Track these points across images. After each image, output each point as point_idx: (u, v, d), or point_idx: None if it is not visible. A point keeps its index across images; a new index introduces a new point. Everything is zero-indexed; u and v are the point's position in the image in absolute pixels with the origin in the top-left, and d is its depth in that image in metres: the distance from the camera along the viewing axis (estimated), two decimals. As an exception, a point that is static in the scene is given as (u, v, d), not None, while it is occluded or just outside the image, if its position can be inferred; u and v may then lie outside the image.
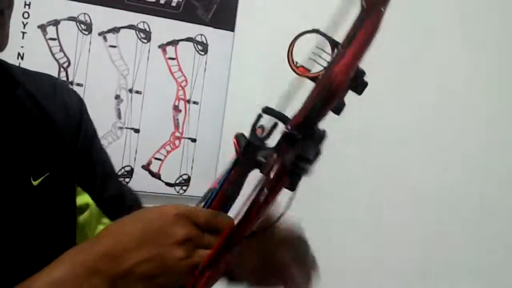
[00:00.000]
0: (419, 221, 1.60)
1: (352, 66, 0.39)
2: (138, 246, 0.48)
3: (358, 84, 0.42)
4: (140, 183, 1.40)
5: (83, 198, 0.72)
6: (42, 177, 0.65)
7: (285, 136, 0.42)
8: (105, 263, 0.47)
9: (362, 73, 0.42)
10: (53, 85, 0.73)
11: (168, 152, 1.44)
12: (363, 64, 0.42)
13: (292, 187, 0.43)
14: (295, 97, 0.47)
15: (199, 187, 1.42)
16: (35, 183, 0.64)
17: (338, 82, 0.39)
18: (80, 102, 0.76)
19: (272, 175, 0.43)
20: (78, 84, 1.36)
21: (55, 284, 0.47)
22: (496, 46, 1.64)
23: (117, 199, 0.77)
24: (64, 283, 0.47)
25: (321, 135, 0.42)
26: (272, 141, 0.46)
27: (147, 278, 0.47)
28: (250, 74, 1.48)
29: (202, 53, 1.45)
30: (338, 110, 0.44)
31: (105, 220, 0.74)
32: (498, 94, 1.66)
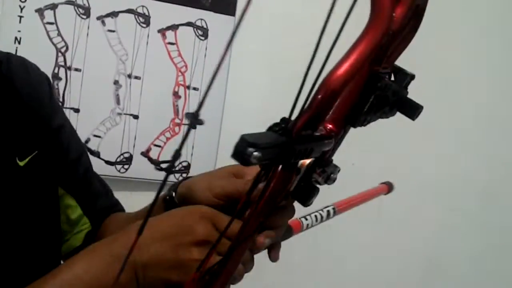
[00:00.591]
0: (421, 209, 1.59)
1: (352, 71, 0.35)
2: (162, 239, 0.49)
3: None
4: (139, 170, 1.38)
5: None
6: (29, 157, 0.63)
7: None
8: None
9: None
10: (24, 65, 0.71)
11: (167, 139, 1.42)
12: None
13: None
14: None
15: (199, 174, 1.40)
16: (21, 163, 0.62)
17: (334, 86, 0.35)
18: (49, 82, 0.75)
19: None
20: (76, 69, 1.33)
21: (84, 270, 0.48)
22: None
23: (85, 182, 0.76)
24: (89, 269, 0.48)
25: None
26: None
27: (162, 270, 0.48)
28: (251, 60, 1.46)
29: (202, 38, 1.42)
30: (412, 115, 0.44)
31: (71, 202, 0.72)
32: (499, 83, 1.63)
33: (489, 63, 1.61)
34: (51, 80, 0.76)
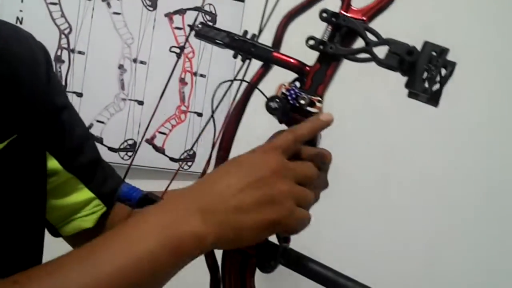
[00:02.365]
0: (426, 201, 1.58)
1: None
2: (240, 182, 0.46)
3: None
4: (143, 157, 1.35)
5: (49, 164, 0.66)
6: (8, 140, 0.58)
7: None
8: (214, 202, 0.45)
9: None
10: (16, 33, 0.64)
11: (173, 126, 1.39)
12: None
13: None
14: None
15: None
16: None
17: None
18: (46, 54, 0.68)
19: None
20: (79, 52, 1.29)
21: (164, 227, 0.44)
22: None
23: (93, 164, 0.72)
24: (171, 225, 0.44)
25: None
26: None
27: (254, 213, 0.45)
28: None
29: (211, 23, 1.38)
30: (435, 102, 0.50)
31: (81, 186, 0.69)
32: (502, 77, 1.61)
33: (496, 56, 1.59)
34: (50, 59, 0.69)
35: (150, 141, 1.37)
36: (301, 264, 0.51)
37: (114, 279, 0.41)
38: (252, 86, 0.55)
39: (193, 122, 1.39)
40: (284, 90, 0.53)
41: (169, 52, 1.36)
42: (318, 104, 0.52)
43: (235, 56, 0.56)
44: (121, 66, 1.33)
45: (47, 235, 0.71)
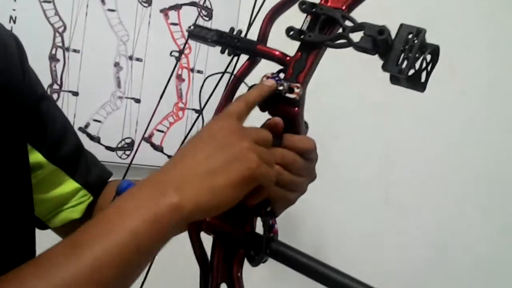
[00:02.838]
0: (428, 196, 1.56)
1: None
2: (203, 148, 0.48)
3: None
4: (141, 156, 1.32)
5: (33, 157, 0.65)
6: None
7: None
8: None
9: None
10: None
11: (171, 123, 1.37)
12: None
13: None
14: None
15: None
16: None
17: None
18: (19, 45, 0.66)
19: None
20: (74, 50, 1.27)
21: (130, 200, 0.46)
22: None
23: (76, 154, 0.72)
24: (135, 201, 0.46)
25: None
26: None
27: (221, 172, 0.47)
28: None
29: (207, 18, 1.36)
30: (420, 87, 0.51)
31: (66, 177, 0.69)
32: (505, 71, 1.59)
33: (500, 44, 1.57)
34: (24, 49, 0.67)
35: (148, 140, 1.35)
36: (286, 255, 0.52)
37: (101, 262, 0.42)
38: (238, 78, 0.58)
39: (191, 119, 1.38)
40: (264, 79, 0.56)
41: (165, 49, 1.34)
42: (296, 90, 0.54)
43: (222, 52, 0.59)
44: (117, 64, 1.32)
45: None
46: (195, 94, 1.38)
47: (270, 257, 0.53)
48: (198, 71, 1.37)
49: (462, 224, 1.58)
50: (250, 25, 0.60)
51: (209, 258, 0.56)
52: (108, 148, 1.32)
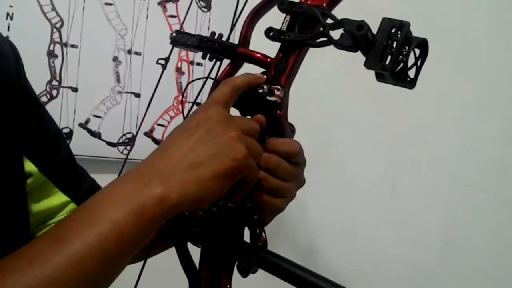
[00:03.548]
0: (436, 185, 1.55)
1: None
2: (190, 136, 0.48)
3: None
4: (143, 151, 1.32)
5: (25, 166, 0.62)
6: None
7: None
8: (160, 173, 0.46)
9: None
10: None
11: (171, 117, 1.36)
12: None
13: None
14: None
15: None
16: None
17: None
18: (14, 51, 0.64)
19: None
20: (72, 46, 1.26)
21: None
22: None
23: (67, 166, 0.69)
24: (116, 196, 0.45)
25: None
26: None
27: (208, 163, 0.46)
28: (257, 33, 1.39)
29: (205, 10, 1.34)
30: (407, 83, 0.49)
31: (55, 190, 0.66)
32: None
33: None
34: (20, 56, 0.65)
35: (148, 134, 1.34)
36: (274, 265, 0.51)
37: (84, 255, 0.41)
38: (218, 83, 0.55)
39: (186, 110, 1.37)
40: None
41: (164, 42, 1.32)
42: (277, 93, 0.52)
43: (203, 57, 0.58)
44: (115, 58, 1.30)
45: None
46: (195, 87, 1.36)
47: (259, 267, 0.51)
48: (198, 64, 1.36)
49: (470, 215, 1.57)
50: (232, 27, 0.59)
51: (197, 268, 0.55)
52: (109, 143, 1.31)
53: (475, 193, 1.58)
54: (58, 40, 1.25)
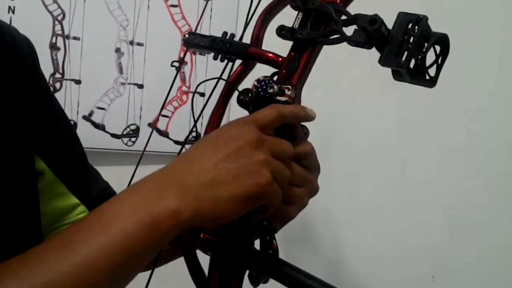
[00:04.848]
0: (444, 173, 1.54)
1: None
2: (215, 154, 0.46)
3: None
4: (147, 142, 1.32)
5: (36, 164, 0.62)
6: None
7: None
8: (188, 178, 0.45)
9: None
10: None
11: (175, 108, 1.36)
12: None
13: None
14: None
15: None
16: None
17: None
18: (30, 47, 0.64)
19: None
20: (74, 38, 1.26)
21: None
22: None
23: (78, 166, 0.69)
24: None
25: None
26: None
27: (230, 183, 0.44)
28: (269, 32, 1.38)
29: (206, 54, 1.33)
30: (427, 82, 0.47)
31: (65, 190, 0.65)
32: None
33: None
34: (34, 47, 0.66)
35: (153, 125, 1.34)
36: (285, 275, 0.49)
37: (91, 263, 0.40)
38: (230, 84, 0.55)
39: (196, 103, 1.36)
40: (255, 83, 0.52)
41: (166, 32, 1.32)
42: (287, 92, 0.50)
43: (215, 58, 0.56)
44: (118, 50, 1.30)
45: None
46: (198, 78, 1.36)
47: (269, 276, 0.50)
48: (201, 54, 1.35)
49: (479, 201, 1.56)
50: (245, 27, 0.57)
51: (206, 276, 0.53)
52: (113, 135, 1.31)
53: (484, 179, 1.57)
54: (60, 32, 1.24)
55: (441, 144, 1.53)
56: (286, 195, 0.50)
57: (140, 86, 1.32)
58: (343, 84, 1.48)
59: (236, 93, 0.54)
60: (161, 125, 1.35)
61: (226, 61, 0.56)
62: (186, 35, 0.58)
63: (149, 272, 0.57)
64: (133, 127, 1.33)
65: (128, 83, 1.31)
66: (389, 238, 1.54)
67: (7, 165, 0.56)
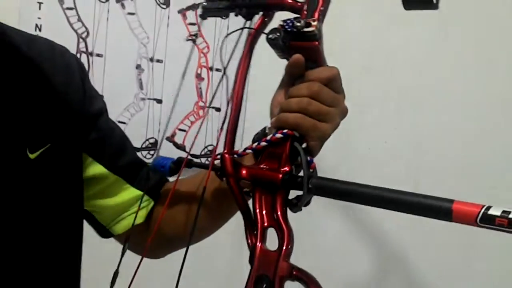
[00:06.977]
0: (460, 186, 1.53)
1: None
2: None
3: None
4: (165, 155, 1.36)
5: (94, 169, 0.70)
6: (41, 150, 0.61)
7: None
8: None
9: None
10: (51, 47, 0.69)
11: (192, 122, 1.40)
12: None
13: None
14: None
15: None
16: (32, 156, 0.60)
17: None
18: (79, 65, 0.72)
19: None
20: (98, 55, 1.32)
21: None
22: None
23: (134, 163, 0.76)
24: None
25: None
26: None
27: None
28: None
29: (224, 17, 1.38)
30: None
31: (127, 186, 0.73)
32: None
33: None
34: (85, 68, 0.75)
35: (170, 139, 1.38)
36: (328, 188, 0.52)
37: None
38: (255, 32, 0.60)
39: (212, 118, 1.40)
40: (281, 23, 0.57)
41: (184, 49, 1.37)
42: (313, 23, 0.55)
43: (236, 14, 0.61)
44: (138, 66, 1.35)
45: (91, 237, 0.75)
46: (214, 93, 1.40)
47: (313, 193, 0.53)
48: (217, 69, 1.40)
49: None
50: None
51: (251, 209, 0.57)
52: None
53: (499, 191, 1.55)
54: (84, 49, 1.30)
55: (457, 157, 1.52)
56: (320, 112, 0.57)
57: (159, 101, 1.37)
58: (357, 97, 1.50)
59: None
60: (179, 139, 1.39)
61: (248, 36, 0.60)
62: (204, 3, 0.63)
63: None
64: (151, 140, 1.38)
65: (148, 98, 1.36)
66: (402, 253, 1.54)
67: (52, 173, 0.63)
